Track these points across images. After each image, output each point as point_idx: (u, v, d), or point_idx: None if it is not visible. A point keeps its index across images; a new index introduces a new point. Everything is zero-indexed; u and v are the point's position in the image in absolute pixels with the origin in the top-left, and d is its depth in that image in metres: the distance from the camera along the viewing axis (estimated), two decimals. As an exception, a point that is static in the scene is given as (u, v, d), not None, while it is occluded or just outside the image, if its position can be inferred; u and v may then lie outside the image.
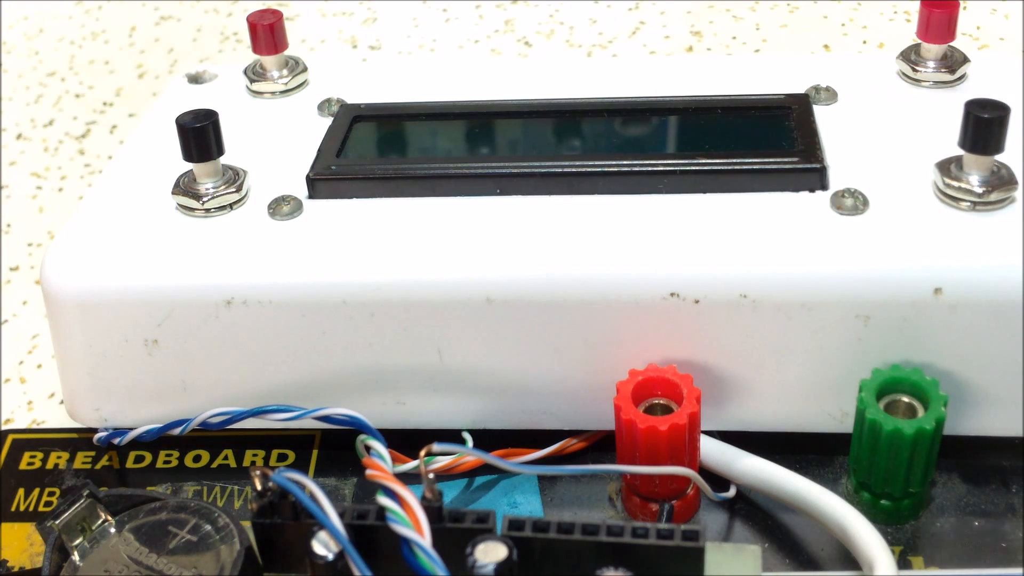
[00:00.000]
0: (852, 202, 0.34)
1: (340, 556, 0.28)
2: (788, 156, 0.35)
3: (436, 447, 0.30)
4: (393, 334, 0.34)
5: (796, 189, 0.35)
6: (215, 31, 0.62)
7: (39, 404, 0.41)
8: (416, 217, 0.35)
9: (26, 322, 0.45)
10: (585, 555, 0.28)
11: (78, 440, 0.38)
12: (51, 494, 0.37)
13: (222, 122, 0.36)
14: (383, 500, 0.28)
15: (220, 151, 0.36)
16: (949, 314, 0.32)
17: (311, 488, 0.29)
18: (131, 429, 0.36)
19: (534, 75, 0.42)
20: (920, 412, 0.32)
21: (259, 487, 0.29)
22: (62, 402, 0.38)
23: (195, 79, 0.44)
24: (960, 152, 0.33)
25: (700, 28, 0.58)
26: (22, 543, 0.35)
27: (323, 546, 0.28)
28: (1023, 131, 0.35)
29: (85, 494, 0.32)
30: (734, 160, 0.35)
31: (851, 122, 0.37)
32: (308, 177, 0.37)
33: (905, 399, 0.32)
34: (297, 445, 0.37)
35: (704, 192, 0.35)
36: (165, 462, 0.37)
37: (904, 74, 0.39)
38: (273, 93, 0.42)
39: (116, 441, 0.37)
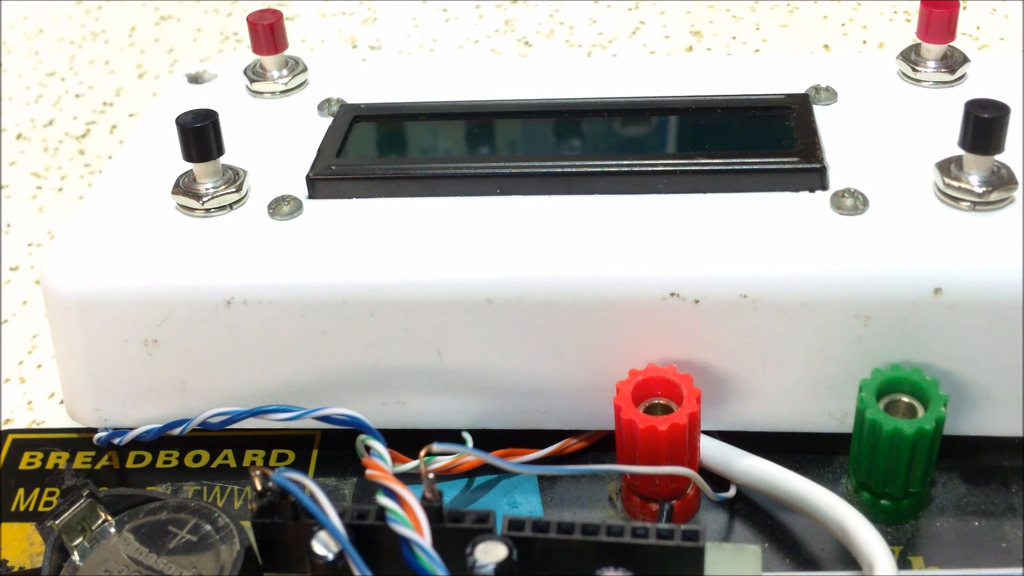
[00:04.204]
0: (852, 202, 0.34)
1: (340, 556, 0.28)
2: (788, 156, 0.35)
3: (436, 447, 0.30)
4: (393, 334, 0.34)
5: (796, 189, 0.35)
6: (215, 31, 0.62)
7: (39, 404, 0.41)
8: (416, 217, 0.35)
9: (26, 322, 0.45)
10: (585, 555, 0.28)
11: (78, 440, 0.38)
12: (51, 494, 0.37)
13: (222, 122, 0.36)
14: (383, 500, 0.28)
15: (220, 151, 0.36)
16: (949, 314, 0.32)
17: (311, 488, 0.29)
18: (131, 429, 0.36)
19: (534, 75, 0.42)
20: (920, 412, 0.32)
21: (259, 487, 0.29)
22: (62, 402, 0.38)
23: (195, 79, 0.44)
24: (960, 152, 0.33)
25: (700, 28, 0.58)
26: (22, 543, 0.35)
27: (323, 546, 0.28)
28: (1023, 131, 0.35)
29: (85, 494, 0.32)
30: (734, 160, 0.35)
31: (851, 122, 0.37)
32: (308, 177, 0.37)
33: (905, 399, 0.32)
34: (297, 445, 0.37)
35: (704, 192, 0.35)
36: (165, 462, 0.37)
37: (904, 74, 0.39)
38: (273, 93, 0.42)
39: (116, 441, 0.37)
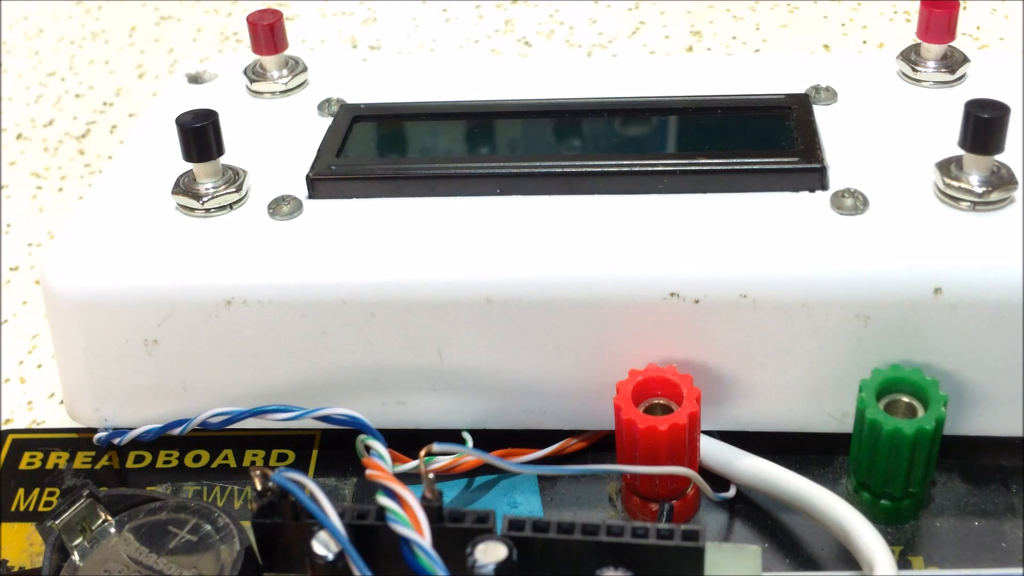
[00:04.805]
0: (852, 202, 0.34)
1: (340, 556, 0.28)
2: (788, 156, 0.35)
3: (436, 447, 0.30)
4: (393, 334, 0.34)
5: (796, 189, 0.35)
6: (215, 31, 0.62)
7: (39, 404, 0.41)
8: (416, 217, 0.35)
9: (26, 322, 0.45)
10: (585, 555, 0.28)
11: (78, 440, 0.38)
12: (51, 494, 0.37)
13: (222, 122, 0.36)
14: (383, 500, 0.28)
15: (220, 151, 0.36)
16: (949, 314, 0.32)
17: (311, 488, 0.29)
18: (131, 429, 0.36)
19: (534, 75, 0.42)
20: (920, 412, 0.32)
21: (259, 487, 0.29)
22: (62, 402, 0.38)
23: (195, 79, 0.44)
24: (960, 152, 0.33)
25: (700, 28, 0.58)
26: (22, 543, 0.35)
27: (323, 546, 0.28)
28: (1023, 131, 0.35)
29: (85, 494, 0.32)
30: (734, 160, 0.35)
31: (851, 122, 0.37)
32: (308, 177, 0.37)
33: (905, 399, 0.32)
34: (297, 445, 0.37)
35: (704, 192, 0.35)
36: (165, 462, 0.37)
37: (904, 74, 0.39)
38: (273, 93, 0.42)
39: (116, 441, 0.37)
